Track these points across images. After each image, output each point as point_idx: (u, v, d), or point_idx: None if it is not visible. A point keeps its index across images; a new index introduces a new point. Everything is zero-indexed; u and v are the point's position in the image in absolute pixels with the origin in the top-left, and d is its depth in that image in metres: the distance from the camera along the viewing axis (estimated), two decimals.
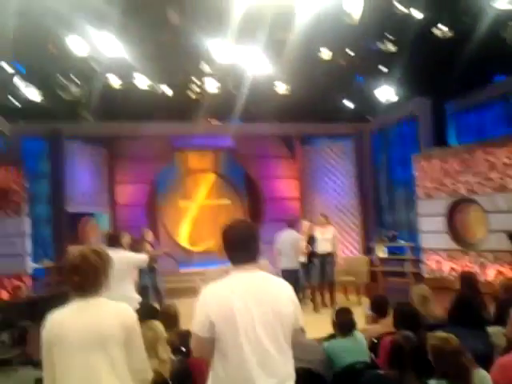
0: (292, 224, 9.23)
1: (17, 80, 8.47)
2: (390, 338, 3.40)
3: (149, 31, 7.10)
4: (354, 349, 3.83)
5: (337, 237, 10.03)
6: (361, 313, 5.43)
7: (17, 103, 9.71)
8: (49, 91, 8.88)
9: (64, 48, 7.41)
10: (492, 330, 3.89)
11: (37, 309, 7.07)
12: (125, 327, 2.33)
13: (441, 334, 2.92)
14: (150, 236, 9.05)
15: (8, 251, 9.50)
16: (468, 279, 5.10)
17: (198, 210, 14.68)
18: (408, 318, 3.82)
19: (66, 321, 2.35)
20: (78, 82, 8.58)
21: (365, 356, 3.83)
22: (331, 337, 4.37)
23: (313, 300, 9.29)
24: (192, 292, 10.59)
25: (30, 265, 10.21)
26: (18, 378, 5.66)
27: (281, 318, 2.23)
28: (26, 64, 8.24)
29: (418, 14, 7.64)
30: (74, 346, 2.26)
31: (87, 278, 2.39)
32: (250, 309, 2.17)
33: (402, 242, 12.16)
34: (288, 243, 8.87)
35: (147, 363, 2.49)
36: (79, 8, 6.35)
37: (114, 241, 5.69)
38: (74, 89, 8.71)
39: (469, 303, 3.97)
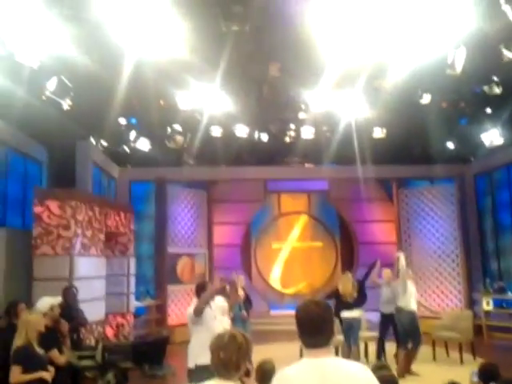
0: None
1: (129, 131, 9.23)
2: None
3: (250, 85, 7.44)
4: None
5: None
6: (464, 374, 4.99)
7: (127, 149, 10.59)
8: (156, 140, 9.56)
9: (172, 102, 7.98)
10: None
11: (139, 352, 7.42)
12: None
13: None
14: (241, 281, 8.78)
15: (115, 290, 10.05)
16: None
17: (290, 251, 14.70)
18: None
19: None
20: (183, 132, 9.15)
21: None
22: None
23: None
24: (284, 335, 10.54)
25: (134, 303, 10.73)
26: None
27: None
28: (138, 117, 8.99)
29: None
30: None
31: (231, 358, 2.43)
32: None
33: (510, 295, 11.19)
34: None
35: None
36: (186, 68, 6.85)
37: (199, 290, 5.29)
38: (178, 138, 9.29)
39: None
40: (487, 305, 11.34)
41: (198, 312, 4.83)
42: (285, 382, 2.19)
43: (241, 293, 8.09)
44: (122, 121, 9.10)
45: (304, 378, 2.15)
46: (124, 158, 11.49)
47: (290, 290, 14.44)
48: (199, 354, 4.77)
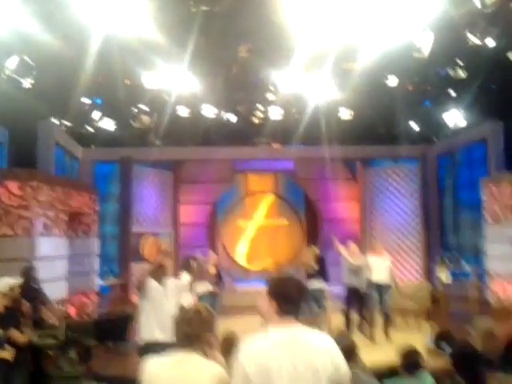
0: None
1: (93, 111, 8.96)
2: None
3: (219, 65, 7.33)
4: None
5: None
6: (421, 340, 5.23)
7: (91, 129, 10.30)
8: (121, 120, 9.32)
9: (138, 82, 7.78)
10: None
11: (102, 329, 7.40)
12: None
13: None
14: (213, 258, 8.97)
15: (77, 269, 9.90)
16: None
17: (256, 229, 14.82)
18: (468, 360, 3.71)
19: (163, 374, 2.46)
20: (149, 112, 8.96)
21: None
22: (392, 372, 4.27)
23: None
24: (248, 309, 10.67)
25: (97, 282, 10.65)
26: None
27: (317, 375, 2.17)
28: (103, 96, 8.72)
29: (490, 42, 7.45)
30: None
31: (195, 332, 2.49)
32: (287, 365, 2.17)
33: (466, 266, 11.72)
34: None
35: None
36: (153, 47, 6.68)
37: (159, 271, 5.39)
38: (144, 118, 9.11)
39: None
40: (444, 276, 11.83)
41: (139, 286, 4.80)
42: (250, 352, 2.23)
43: (212, 270, 8.29)
44: (86, 100, 8.82)
45: (269, 347, 2.21)
46: (88, 138, 11.17)
47: (255, 267, 14.61)
48: (145, 330, 4.81)
